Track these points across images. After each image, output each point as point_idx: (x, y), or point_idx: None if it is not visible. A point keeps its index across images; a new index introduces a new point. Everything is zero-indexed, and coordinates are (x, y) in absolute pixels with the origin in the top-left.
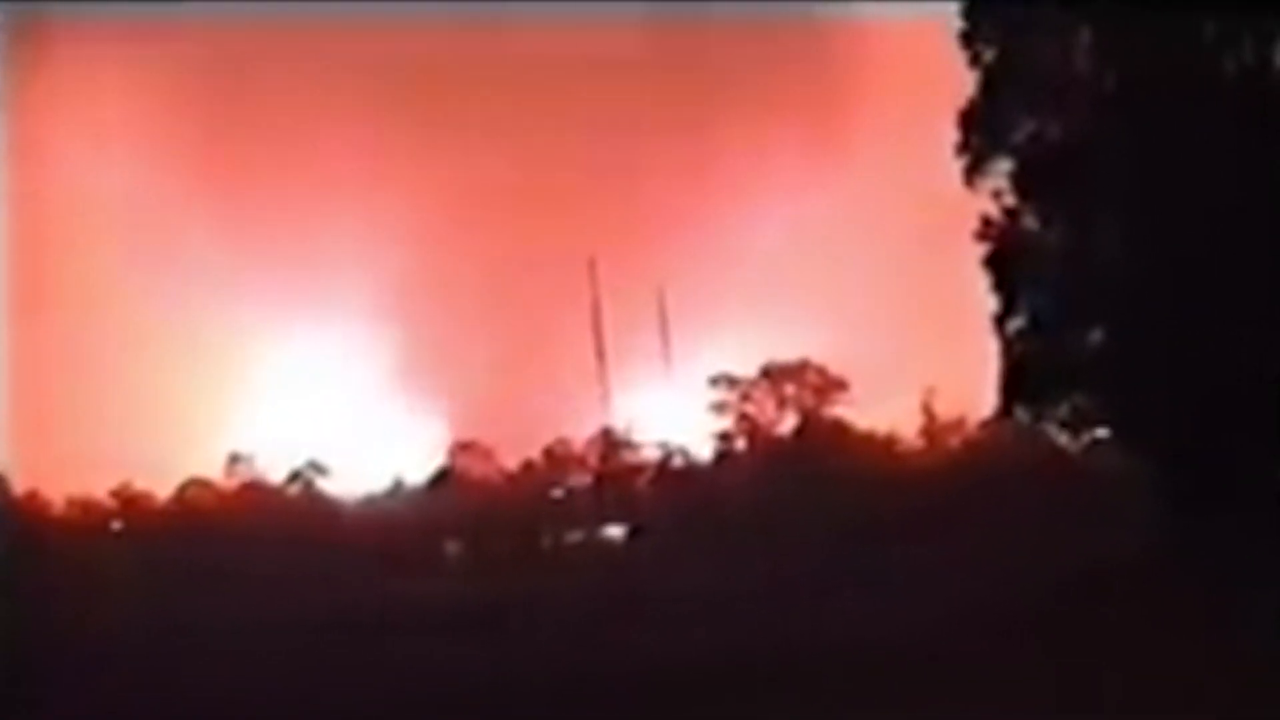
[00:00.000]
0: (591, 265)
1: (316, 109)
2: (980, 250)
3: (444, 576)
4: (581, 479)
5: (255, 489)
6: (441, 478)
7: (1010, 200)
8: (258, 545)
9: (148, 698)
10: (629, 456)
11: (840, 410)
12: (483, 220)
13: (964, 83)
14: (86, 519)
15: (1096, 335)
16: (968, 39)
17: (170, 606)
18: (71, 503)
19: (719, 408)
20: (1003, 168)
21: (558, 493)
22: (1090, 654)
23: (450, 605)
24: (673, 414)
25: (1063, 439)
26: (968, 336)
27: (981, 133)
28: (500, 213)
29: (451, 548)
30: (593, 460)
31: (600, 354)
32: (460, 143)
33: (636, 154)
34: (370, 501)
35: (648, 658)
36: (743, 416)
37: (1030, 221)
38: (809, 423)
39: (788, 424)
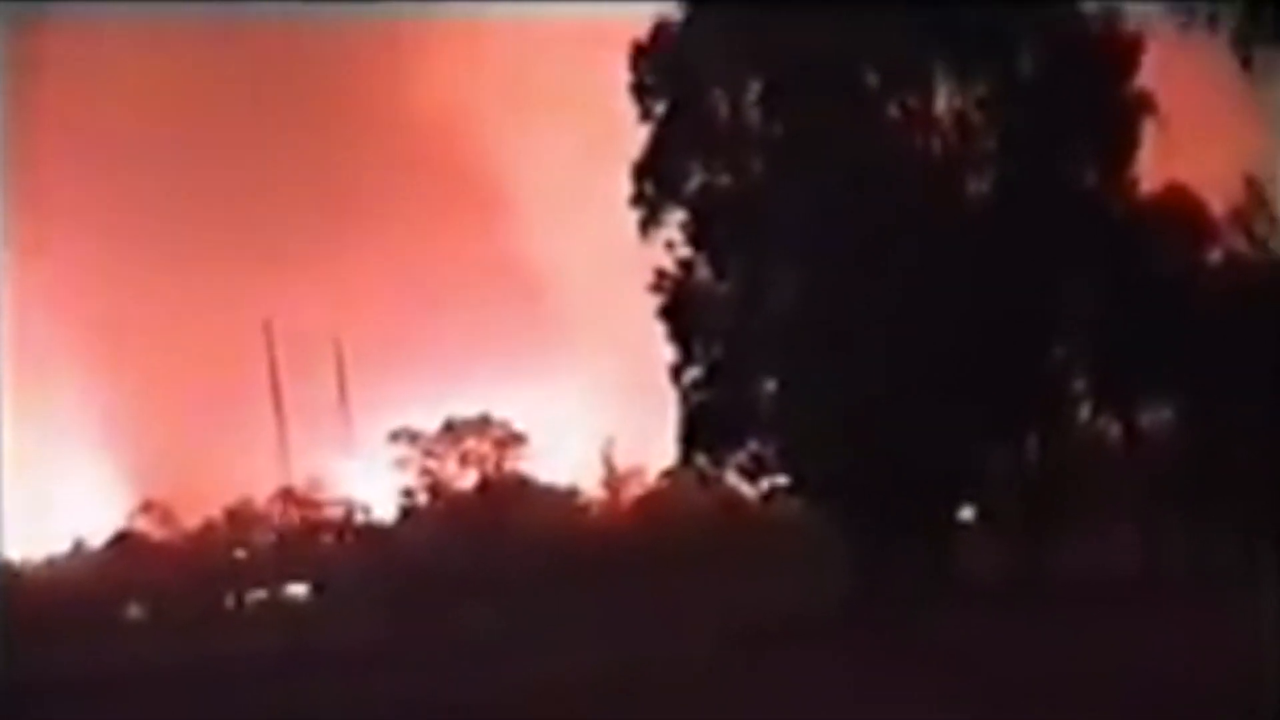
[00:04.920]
0: (267, 324)
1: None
2: (656, 301)
3: (125, 639)
4: (264, 538)
5: None
6: (121, 540)
7: (684, 251)
8: None
9: None
10: (311, 514)
11: (522, 464)
12: (160, 277)
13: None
14: None
15: (771, 384)
16: (638, 91)
17: None
18: None
19: (401, 463)
20: (676, 218)
21: (240, 553)
22: (767, 703)
23: (130, 669)
24: (354, 471)
25: (742, 487)
26: (646, 387)
27: (654, 183)
28: (176, 271)
29: (133, 610)
30: (275, 519)
31: (279, 411)
32: (131, 195)
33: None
34: (50, 565)
35: (327, 715)
36: (424, 472)
37: (704, 272)
38: (490, 477)
39: (469, 479)
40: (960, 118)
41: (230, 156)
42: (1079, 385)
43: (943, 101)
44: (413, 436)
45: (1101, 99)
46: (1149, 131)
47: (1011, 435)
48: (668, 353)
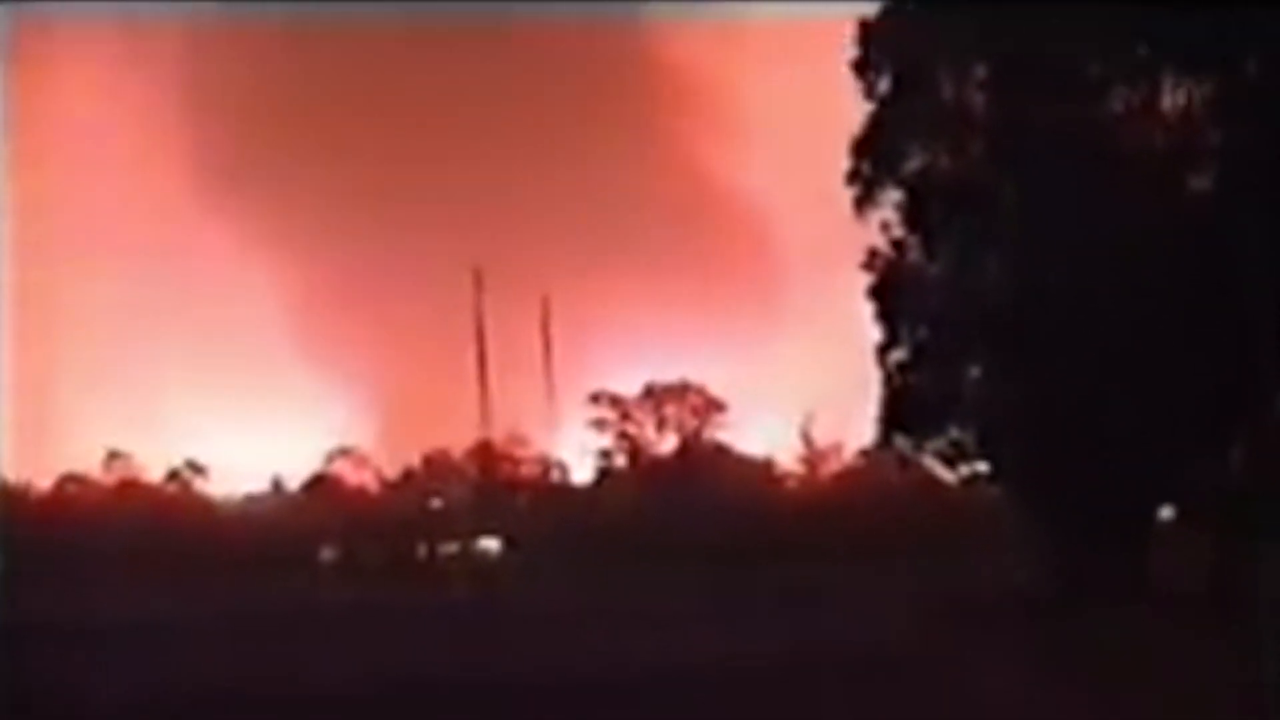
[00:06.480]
0: (476, 275)
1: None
2: (865, 279)
3: (317, 581)
4: (459, 490)
5: (133, 486)
6: (318, 483)
7: (898, 232)
8: (134, 541)
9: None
10: (508, 470)
11: (720, 432)
12: (367, 228)
13: (858, 110)
14: None
15: (975, 370)
16: (861, 67)
17: (42, 602)
18: None
19: (599, 424)
20: (892, 198)
21: (435, 503)
22: (957, 686)
23: (321, 610)
24: (553, 428)
25: (940, 470)
26: (849, 363)
27: (872, 162)
28: (384, 221)
29: (326, 553)
30: (471, 472)
31: (482, 365)
32: (344, 150)
33: (517, 166)
34: (247, 503)
35: (510, 672)
36: (622, 435)
37: (915, 254)
38: (689, 444)
39: (667, 444)
40: (1184, 114)
41: (447, 124)
42: None
43: (1167, 98)
44: (613, 399)
45: None
46: None
47: (1216, 437)
48: (874, 332)
